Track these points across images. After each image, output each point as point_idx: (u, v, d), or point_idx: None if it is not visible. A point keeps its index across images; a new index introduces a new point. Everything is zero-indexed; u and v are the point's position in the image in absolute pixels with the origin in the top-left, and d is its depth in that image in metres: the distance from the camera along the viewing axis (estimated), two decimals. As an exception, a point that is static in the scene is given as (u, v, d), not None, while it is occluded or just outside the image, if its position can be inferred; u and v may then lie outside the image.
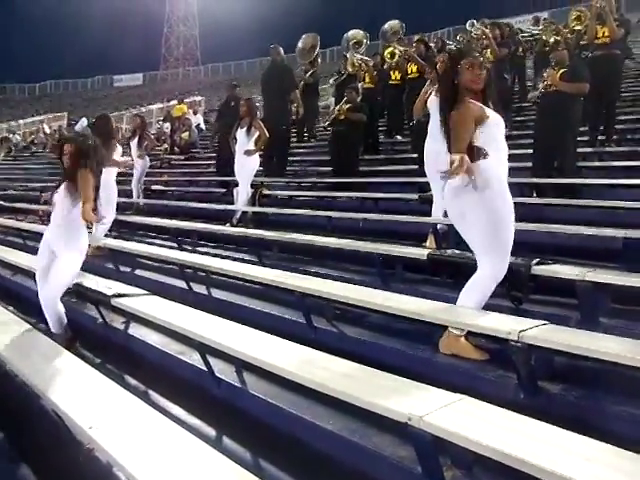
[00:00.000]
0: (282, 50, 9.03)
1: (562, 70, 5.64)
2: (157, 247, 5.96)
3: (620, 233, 3.75)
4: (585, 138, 6.75)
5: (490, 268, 2.95)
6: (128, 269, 5.61)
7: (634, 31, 10.17)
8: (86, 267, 3.89)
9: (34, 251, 6.13)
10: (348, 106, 7.55)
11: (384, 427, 2.27)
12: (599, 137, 6.79)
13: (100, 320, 4.17)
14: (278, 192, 7.81)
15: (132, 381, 3.41)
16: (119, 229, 7.27)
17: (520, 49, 9.60)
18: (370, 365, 2.46)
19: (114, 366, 3.64)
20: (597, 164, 6.30)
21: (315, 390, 2.34)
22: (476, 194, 2.88)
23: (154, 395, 3.20)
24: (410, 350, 3.13)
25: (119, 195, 6.89)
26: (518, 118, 8.61)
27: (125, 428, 2.06)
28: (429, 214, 5.00)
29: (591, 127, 6.78)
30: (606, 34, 6.66)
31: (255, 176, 7.41)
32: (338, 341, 3.40)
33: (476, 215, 2.90)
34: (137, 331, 3.87)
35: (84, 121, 19.46)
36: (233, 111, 8.36)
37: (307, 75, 10.55)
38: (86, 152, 3.81)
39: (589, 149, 6.68)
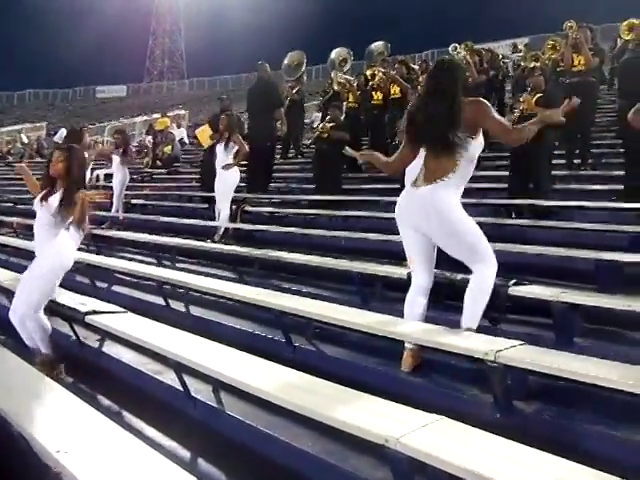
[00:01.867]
0: (269, 67, 9.13)
1: (538, 95, 5.78)
2: (135, 263, 5.90)
3: (593, 255, 3.82)
4: (562, 161, 6.89)
5: (492, 263, 2.99)
6: (105, 285, 5.54)
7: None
8: (60, 282, 3.80)
9: (7, 265, 6.05)
10: (331, 124, 7.62)
11: (362, 448, 2.26)
12: (575, 161, 6.94)
13: (73, 337, 4.09)
14: (260, 209, 7.81)
15: (105, 401, 3.35)
16: (97, 243, 7.19)
17: (500, 74, 9.81)
18: (349, 385, 2.46)
19: (87, 386, 3.57)
20: (573, 187, 6.41)
21: (293, 411, 2.33)
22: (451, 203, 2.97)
23: (128, 416, 3.14)
24: (389, 370, 3.15)
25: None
26: (495, 140, 8.73)
27: (95, 451, 2.00)
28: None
29: (567, 151, 6.93)
30: (582, 62, 6.86)
31: (237, 192, 7.41)
32: (317, 360, 3.40)
33: (462, 224, 2.96)
34: (112, 349, 3.81)
35: (63, 132, 19.28)
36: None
37: (293, 91, 10.65)
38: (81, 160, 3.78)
39: (566, 172, 6.81)
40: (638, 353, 3.02)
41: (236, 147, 7.07)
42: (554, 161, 6.57)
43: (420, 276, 3.14)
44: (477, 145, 2.97)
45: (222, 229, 6.93)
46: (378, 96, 9.17)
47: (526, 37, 24.20)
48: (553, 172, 6.40)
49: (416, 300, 3.13)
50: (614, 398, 2.38)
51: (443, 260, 3.21)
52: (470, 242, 2.96)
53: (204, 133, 8.66)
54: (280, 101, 9.08)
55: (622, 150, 5.96)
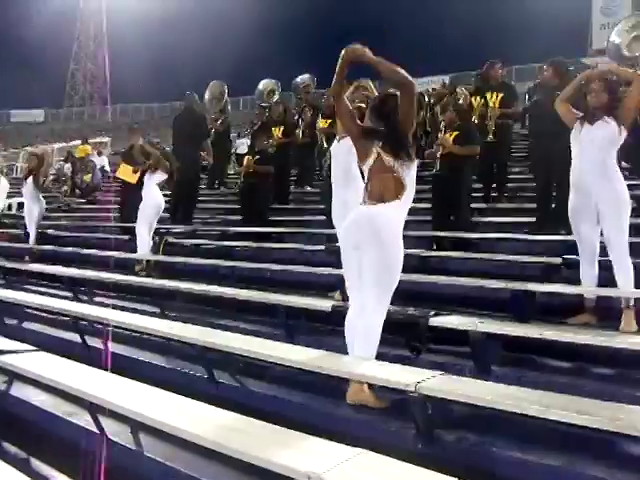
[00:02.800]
0: (197, 98, 9.12)
1: (455, 133, 6.03)
2: (49, 297, 5.59)
3: (509, 285, 4.01)
4: (480, 194, 7.23)
5: (384, 310, 3.03)
6: (15, 322, 5.22)
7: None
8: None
9: None
10: (256, 158, 7.63)
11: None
12: (492, 194, 7.30)
13: (-24, 380, 3.79)
14: (184, 240, 7.65)
15: (12, 449, 3.12)
16: (6, 276, 6.77)
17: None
18: (273, 420, 2.42)
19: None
20: (490, 219, 6.71)
21: (214, 449, 2.26)
22: (397, 229, 3.01)
23: (36, 463, 2.94)
24: (313, 403, 3.14)
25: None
26: (424, 173, 9.05)
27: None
28: (335, 265, 5.07)
29: (485, 185, 7.28)
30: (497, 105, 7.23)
31: (160, 223, 7.22)
32: (241, 396, 3.34)
33: (395, 254, 3.00)
34: (21, 392, 3.56)
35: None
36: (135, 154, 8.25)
37: (218, 123, 10.63)
38: None
39: (483, 205, 7.14)
40: (550, 379, 3.19)
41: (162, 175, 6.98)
42: (473, 194, 6.87)
43: (357, 298, 3.16)
44: (414, 166, 3.09)
45: (144, 260, 6.73)
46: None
47: (447, 75, 25.54)
48: (472, 205, 6.69)
49: (354, 324, 3.14)
50: (528, 423, 2.47)
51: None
52: (386, 278, 3.01)
53: (126, 170, 8.33)
54: (207, 133, 9.05)
55: (534, 184, 6.32)
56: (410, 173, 3.06)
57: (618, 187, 3.81)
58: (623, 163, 6.83)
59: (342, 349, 3.27)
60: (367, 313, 3.03)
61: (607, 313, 3.84)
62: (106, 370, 3.29)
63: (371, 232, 2.99)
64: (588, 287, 3.92)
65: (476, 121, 7.06)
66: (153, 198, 6.96)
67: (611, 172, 3.82)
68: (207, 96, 10.50)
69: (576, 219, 3.94)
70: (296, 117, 9.90)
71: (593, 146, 3.81)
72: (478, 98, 7.39)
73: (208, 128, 9.27)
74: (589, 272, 3.94)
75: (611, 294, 3.84)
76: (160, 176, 6.98)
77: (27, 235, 8.56)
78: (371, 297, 3.02)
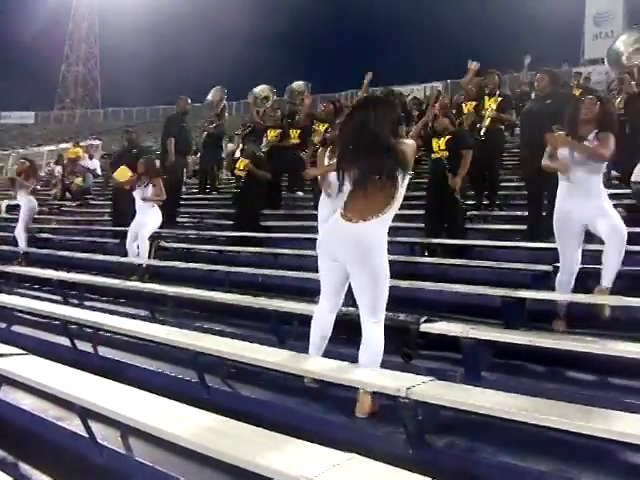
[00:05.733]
0: (189, 102, 9.09)
1: (448, 137, 6.01)
2: (38, 301, 5.55)
3: (499, 292, 4.04)
4: (472, 202, 7.27)
5: (382, 319, 3.02)
6: (3, 325, 5.18)
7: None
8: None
9: None
10: (249, 160, 7.63)
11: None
12: (484, 202, 7.34)
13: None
14: (176, 245, 7.63)
15: (0, 453, 3.07)
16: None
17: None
18: (264, 424, 2.41)
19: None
20: (482, 226, 6.76)
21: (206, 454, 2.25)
22: (384, 246, 2.94)
23: (25, 467, 2.90)
24: (304, 408, 3.14)
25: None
26: (416, 180, 9.08)
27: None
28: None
29: (476, 192, 7.32)
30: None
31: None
32: (232, 401, 3.33)
33: (383, 269, 2.93)
34: (9, 396, 3.52)
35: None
36: (133, 159, 8.17)
37: (211, 126, 10.63)
38: None
39: (475, 212, 7.18)
40: (540, 385, 3.21)
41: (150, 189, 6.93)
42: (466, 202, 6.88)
43: (326, 302, 3.18)
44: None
45: (144, 265, 6.69)
46: (295, 134, 9.34)
47: (439, 82, 25.65)
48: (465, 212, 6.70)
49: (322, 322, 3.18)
50: (518, 429, 2.49)
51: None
52: (378, 294, 2.95)
53: (124, 173, 8.10)
54: (173, 132, 8.97)
55: (525, 192, 6.37)
56: (404, 183, 2.92)
57: (605, 204, 3.91)
58: (613, 172, 6.94)
59: (331, 354, 3.27)
60: (367, 327, 2.99)
61: (577, 319, 3.92)
62: (96, 374, 3.26)
63: (359, 254, 2.89)
64: (562, 293, 3.98)
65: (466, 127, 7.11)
66: (154, 219, 6.93)
67: (598, 191, 3.91)
68: (209, 99, 10.55)
69: (561, 235, 4.02)
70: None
71: (580, 167, 3.89)
72: (468, 104, 7.44)
73: (173, 130, 9.09)
74: (566, 279, 4.04)
75: (605, 302, 3.85)
76: (153, 191, 6.95)
77: (14, 238, 8.51)
78: (366, 312, 2.98)
